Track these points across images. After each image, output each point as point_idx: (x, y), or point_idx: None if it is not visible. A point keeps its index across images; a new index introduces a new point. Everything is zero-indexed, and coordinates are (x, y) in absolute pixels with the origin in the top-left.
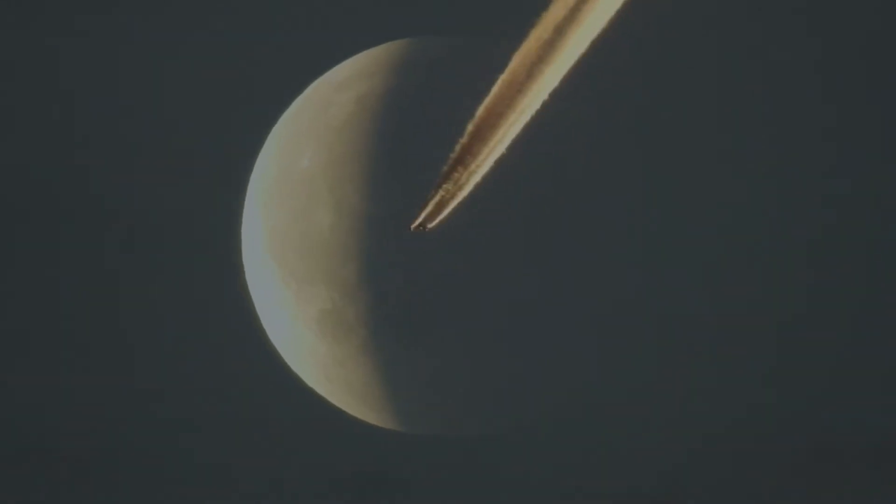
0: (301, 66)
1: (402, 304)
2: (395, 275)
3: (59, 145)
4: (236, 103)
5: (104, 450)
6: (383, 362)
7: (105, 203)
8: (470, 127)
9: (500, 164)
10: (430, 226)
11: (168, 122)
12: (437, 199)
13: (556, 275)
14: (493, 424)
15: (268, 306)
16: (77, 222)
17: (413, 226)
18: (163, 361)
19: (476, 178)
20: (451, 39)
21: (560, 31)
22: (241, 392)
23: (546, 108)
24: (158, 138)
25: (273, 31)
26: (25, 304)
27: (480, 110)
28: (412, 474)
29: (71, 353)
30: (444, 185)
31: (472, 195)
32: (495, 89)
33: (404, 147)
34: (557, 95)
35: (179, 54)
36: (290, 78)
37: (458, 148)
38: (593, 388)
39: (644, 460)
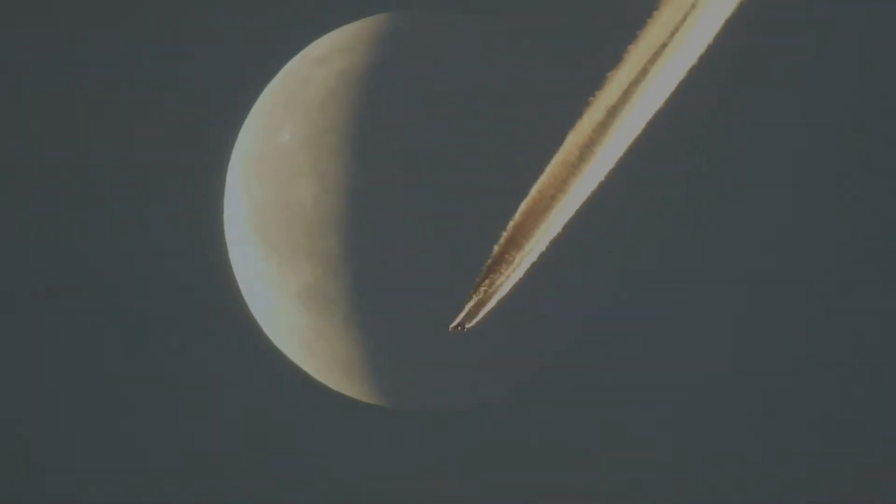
0: (282, 42)
1: (384, 278)
2: (377, 248)
3: (36, 107)
4: (217, 79)
5: (80, 435)
6: (365, 336)
7: (85, 183)
8: (506, 233)
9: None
10: (468, 326)
11: (150, 96)
12: (475, 300)
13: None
14: (477, 399)
15: (250, 281)
16: (57, 195)
17: (452, 326)
18: (143, 335)
19: (512, 282)
20: (431, 14)
21: (588, 148)
22: (223, 367)
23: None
24: (140, 113)
25: (254, 7)
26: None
27: (516, 216)
28: (395, 448)
29: (47, 322)
30: (482, 287)
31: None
32: (529, 199)
33: (385, 121)
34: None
35: (160, 29)
36: (271, 53)
37: (494, 252)
38: (578, 360)
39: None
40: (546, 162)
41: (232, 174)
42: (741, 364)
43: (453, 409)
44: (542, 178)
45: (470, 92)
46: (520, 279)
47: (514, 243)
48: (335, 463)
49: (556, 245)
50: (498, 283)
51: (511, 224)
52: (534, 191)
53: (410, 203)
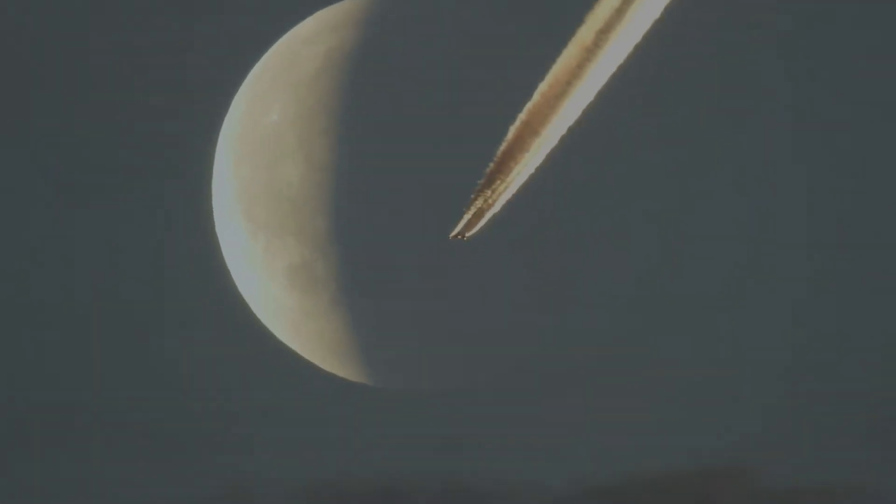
0: (269, 21)
1: (371, 258)
2: (364, 228)
3: (25, 97)
4: (205, 59)
5: (72, 408)
6: (352, 316)
7: (72, 161)
8: (510, 134)
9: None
10: (468, 234)
11: (137, 77)
12: (476, 207)
13: (527, 237)
14: (463, 379)
15: (238, 260)
16: (44, 183)
17: (452, 234)
18: (132, 314)
19: (515, 187)
20: None
21: (603, 35)
22: (212, 345)
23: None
24: (127, 94)
25: None
26: None
27: (521, 117)
28: (380, 426)
29: (31, 316)
30: (483, 194)
31: (509, 203)
32: (536, 96)
33: (372, 101)
34: (599, 100)
35: (148, 10)
36: (258, 32)
37: (497, 156)
38: (566, 344)
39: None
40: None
41: (220, 154)
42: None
43: (439, 389)
44: (551, 73)
45: (457, 72)
46: (519, 189)
47: (514, 152)
48: (321, 440)
49: (546, 236)
50: (498, 191)
51: (512, 131)
52: (536, 94)
53: (397, 183)
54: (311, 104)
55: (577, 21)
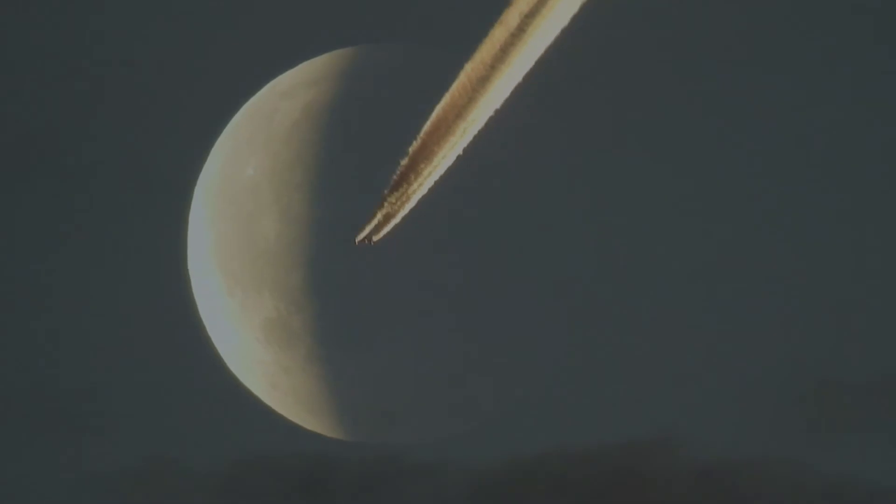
0: (246, 75)
1: (347, 312)
2: (340, 282)
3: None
4: (182, 112)
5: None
6: (329, 371)
7: (48, 214)
8: (416, 141)
9: (446, 176)
10: (375, 239)
11: (114, 129)
12: (383, 212)
13: (503, 279)
14: (441, 432)
15: (213, 315)
16: (24, 229)
17: (358, 239)
18: (106, 369)
19: (422, 192)
20: (396, 48)
21: (510, 43)
22: (186, 401)
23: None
24: (103, 147)
25: (218, 40)
26: None
27: (427, 125)
28: (358, 482)
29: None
30: (390, 199)
31: (417, 208)
32: (442, 103)
33: (350, 155)
34: (505, 107)
35: (126, 62)
36: (235, 86)
37: (404, 161)
38: (541, 396)
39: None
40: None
41: (195, 208)
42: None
43: (417, 443)
44: (453, 88)
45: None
46: (426, 193)
47: (423, 155)
48: (298, 497)
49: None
50: (406, 195)
51: (420, 136)
52: (442, 102)
53: (375, 243)
54: (287, 158)
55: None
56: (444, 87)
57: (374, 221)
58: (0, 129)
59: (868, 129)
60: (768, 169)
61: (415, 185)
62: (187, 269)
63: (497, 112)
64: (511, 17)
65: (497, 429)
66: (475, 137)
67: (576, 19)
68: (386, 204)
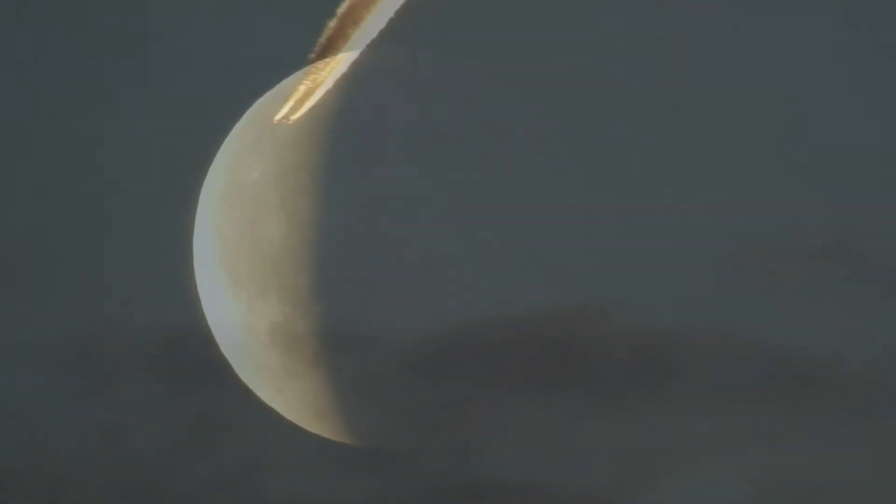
0: (251, 79)
1: (354, 316)
2: (347, 286)
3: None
4: (186, 117)
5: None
6: (335, 374)
7: (52, 217)
8: (333, 22)
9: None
10: (293, 118)
11: (118, 134)
12: (300, 92)
13: (505, 283)
14: (448, 436)
15: (219, 319)
16: (21, 238)
17: (276, 119)
18: (111, 372)
19: (340, 71)
20: (402, 51)
21: None
22: (192, 405)
23: None
24: (107, 152)
25: (222, 44)
26: None
27: (330, 25)
28: (364, 487)
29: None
30: (308, 79)
31: (335, 91)
32: (342, 8)
33: (355, 158)
34: None
35: (129, 67)
36: (240, 91)
37: (321, 41)
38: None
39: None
40: None
41: (201, 212)
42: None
43: (423, 448)
44: None
45: (438, 129)
46: (344, 73)
47: (341, 34)
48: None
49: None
50: (323, 75)
51: (338, 14)
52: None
53: (379, 240)
54: (293, 162)
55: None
56: (450, 91)
57: (294, 100)
58: None
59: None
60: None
61: (332, 65)
62: (193, 273)
63: None
64: None
65: (427, 298)
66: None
67: None
68: (303, 84)
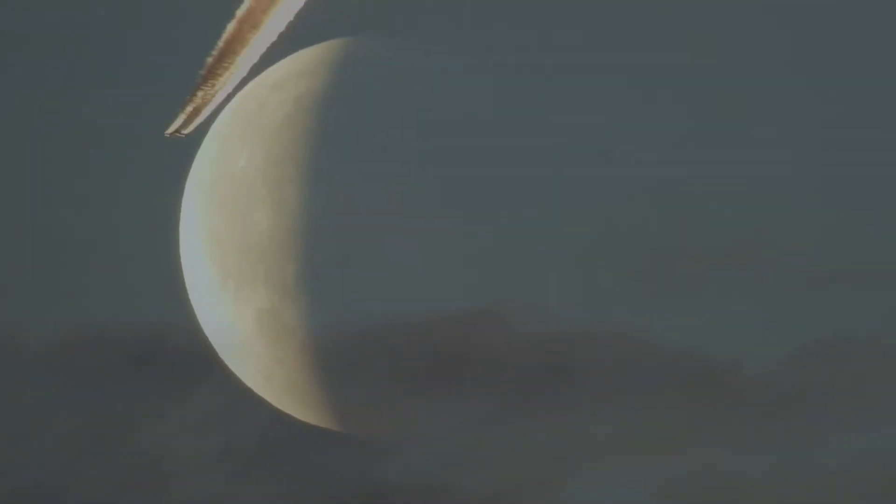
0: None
1: (340, 304)
2: (333, 274)
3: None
4: (173, 104)
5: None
6: (322, 363)
7: (35, 211)
8: (222, 39)
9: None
10: (185, 132)
11: (104, 122)
12: (193, 104)
13: (490, 272)
14: (434, 424)
15: (206, 307)
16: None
17: (168, 133)
18: (100, 361)
19: (229, 88)
20: (388, 39)
21: None
22: (179, 393)
23: None
24: (93, 139)
25: (209, 32)
26: None
27: (231, 25)
28: (351, 474)
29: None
30: (198, 94)
31: (224, 104)
32: (241, 11)
33: (342, 147)
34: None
35: (116, 54)
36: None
37: (211, 58)
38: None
39: None
40: None
41: (188, 200)
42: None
43: (410, 436)
44: None
45: (426, 118)
46: (236, 86)
47: (230, 50)
48: (291, 489)
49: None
50: (214, 90)
51: (227, 31)
52: (246, 3)
53: (366, 228)
54: (279, 150)
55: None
56: (436, 78)
57: (185, 114)
58: None
59: None
60: None
61: (222, 80)
62: (180, 262)
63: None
64: None
65: (326, 301)
66: (283, 33)
67: None
68: (195, 98)
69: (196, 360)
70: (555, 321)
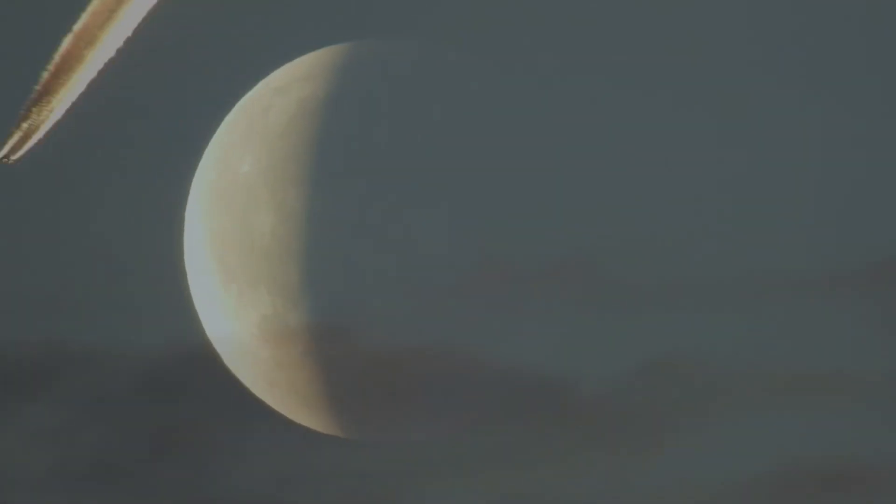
0: (241, 71)
1: (344, 308)
2: (337, 278)
3: None
4: (176, 110)
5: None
6: (326, 367)
7: (41, 215)
8: (67, 39)
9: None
10: (13, 158)
11: (108, 126)
12: (23, 129)
13: (499, 280)
14: (439, 429)
15: (210, 311)
16: (15, 228)
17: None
18: (102, 365)
19: (64, 107)
20: (392, 43)
21: None
22: (182, 396)
23: None
24: (97, 143)
25: (213, 36)
26: None
27: (63, 46)
28: (355, 480)
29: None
30: (29, 119)
31: (56, 129)
32: (84, 15)
33: (346, 150)
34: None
35: (119, 62)
36: (230, 82)
37: (41, 81)
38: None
39: None
40: None
41: (192, 206)
42: None
43: (415, 440)
44: (91, 7)
45: (431, 121)
46: (67, 110)
47: (61, 74)
48: (296, 495)
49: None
50: (44, 115)
51: (58, 54)
52: (85, 14)
53: (371, 233)
54: (283, 154)
55: None
56: (439, 80)
57: (14, 139)
58: None
59: None
60: None
61: (52, 104)
62: (184, 265)
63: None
64: None
65: (154, 315)
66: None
67: None
68: (24, 123)
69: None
70: (384, 338)
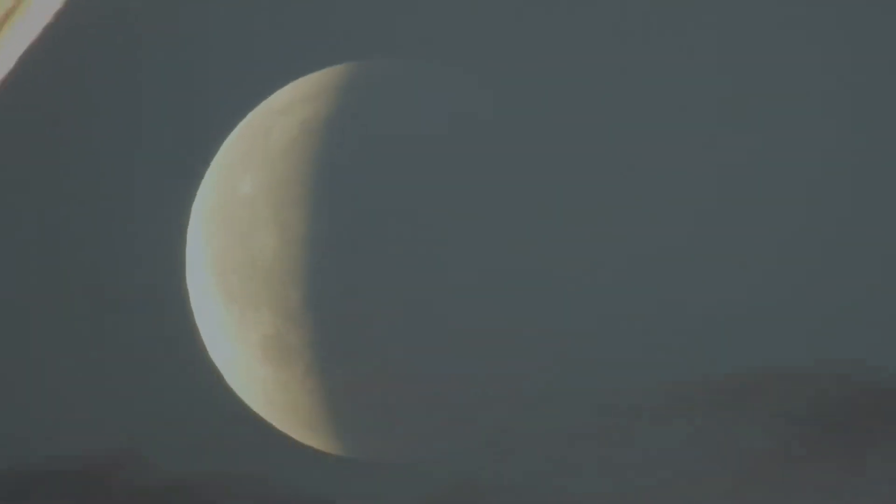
0: (243, 92)
1: (345, 328)
2: (338, 299)
3: None
4: (178, 129)
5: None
6: (328, 388)
7: (47, 230)
8: None
9: None
10: None
11: (109, 148)
12: None
13: (504, 299)
14: (441, 448)
15: (211, 331)
16: (17, 255)
17: None
18: (103, 387)
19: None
20: (395, 63)
21: None
22: (184, 416)
23: None
24: (99, 166)
25: (214, 56)
26: None
27: None
28: (357, 500)
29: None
30: None
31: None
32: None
33: (348, 171)
34: None
35: (120, 80)
36: (231, 103)
37: None
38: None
39: None
40: None
41: (193, 227)
42: None
43: (417, 460)
44: None
45: (433, 142)
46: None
47: None
48: None
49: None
50: None
51: None
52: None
53: (372, 254)
54: (285, 175)
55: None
56: (443, 100)
57: None
58: None
59: None
60: None
61: None
62: (186, 286)
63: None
64: None
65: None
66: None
67: None
68: None
69: None
70: (185, 465)
